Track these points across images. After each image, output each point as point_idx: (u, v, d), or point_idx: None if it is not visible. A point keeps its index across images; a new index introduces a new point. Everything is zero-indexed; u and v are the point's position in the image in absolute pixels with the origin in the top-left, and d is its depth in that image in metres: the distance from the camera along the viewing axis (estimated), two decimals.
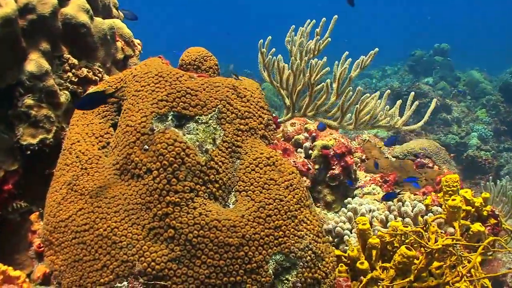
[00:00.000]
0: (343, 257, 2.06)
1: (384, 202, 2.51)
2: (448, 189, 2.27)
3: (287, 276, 1.63)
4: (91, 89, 2.02)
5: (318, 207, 2.78)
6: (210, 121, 1.78)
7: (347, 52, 2.08)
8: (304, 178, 2.67)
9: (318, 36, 2.13)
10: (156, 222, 1.57)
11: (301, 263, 1.65)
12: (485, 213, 2.24)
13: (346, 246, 2.27)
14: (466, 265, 1.84)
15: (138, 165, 1.65)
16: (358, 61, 2.08)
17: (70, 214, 1.68)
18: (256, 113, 1.90)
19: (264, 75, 2.25)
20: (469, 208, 2.22)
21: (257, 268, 1.57)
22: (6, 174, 1.83)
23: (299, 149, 2.81)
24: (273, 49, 2.16)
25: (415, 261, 1.84)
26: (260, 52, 2.17)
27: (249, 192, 1.70)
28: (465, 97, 9.91)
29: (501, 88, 9.53)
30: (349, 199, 2.67)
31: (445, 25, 27.01)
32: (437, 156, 3.27)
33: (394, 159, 3.23)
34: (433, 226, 1.93)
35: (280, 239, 1.64)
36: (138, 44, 2.51)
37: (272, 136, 1.93)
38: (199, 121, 1.77)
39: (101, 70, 2.13)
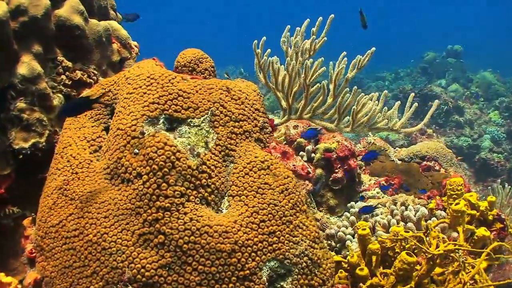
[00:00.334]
0: (343, 263, 2.01)
1: (386, 206, 2.46)
2: (452, 192, 2.20)
3: (282, 283, 1.58)
4: (85, 92, 1.99)
5: (321, 211, 2.72)
6: (203, 124, 1.74)
7: (345, 52, 2.03)
8: (307, 182, 2.63)
9: (314, 36, 2.08)
10: (146, 228, 1.53)
11: (296, 270, 1.61)
12: (490, 217, 2.18)
13: (348, 251, 2.22)
14: (470, 271, 1.78)
15: (128, 169, 1.61)
16: (354, 61, 2.03)
17: (60, 219, 1.65)
18: (251, 115, 1.86)
19: (259, 77, 2.21)
20: (473, 212, 2.16)
21: (250, 275, 1.53)
22: None
23: (301, 152, 2.76)
24: (268, 50, 2.11)
25: (417, 267, 1.79)
26: (255, 53, 2.13)
27: (242, 196, 1.66)
28: (477, 99, 9.80)
29: None
30: (352, 203, 2.61)
31: (458, 26, 26.77)
32: (444, 159, 3.20)
33: (400, 162, 3.18)
34: (434, 231, 1.88)
35: (274, 245, 1.59)
36: (135, 46, 2.48)
37: (267, 139, 1.88)
38: (191, 124, 1.73)
39: (96, 72, 2.10)
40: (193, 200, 1.59)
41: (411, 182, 2.89)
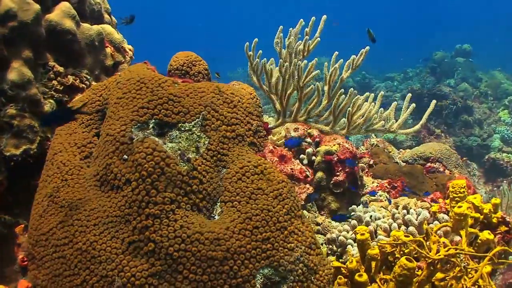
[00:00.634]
0: (342, 269, 1.97)
1: (388, 209, 2.41)
2: (455, 195, 2.15)
3: None
4: (77, 97, 1.96)
5: (322, 215, 2.68)
6: (194, 129, 1.70)
7: (336, 52, 1.97)
8: (307, 186, 2.59)
9: (307, 36, 2.03)
10: (135, 236, 1.50)
11: (291, 277, 1.56)
12: (494, 220, 2.12)
13: (352, 255, 2.18)
14: (473, 276, 1.73)
15: (117, 175, 1.58)
16: (349, 61, 1.98)
17: (51, 227, 1.62)
18: (244, 119, 1.82)
19: (253, 79, 2.16)
20: (477, 215, 2.10)
21: (244, 283, 1.49)
22: None
23: (302, 155, 2.72)
24: (260, 51, 2.07)
25: (418, 272, 1.74)
26: (246, 55, 2.09)
27: (235, 202, 1.62)
28: (487, 98, 9.70)
29: None
30: (354, 206, 2.57)
31: (467, 25, 26.53)
32: (449, 160, 3.14)
33: (403, 164, 3.12)
34: (434, 236, 1.83)
35: (268, 252, 1.55)
36: (130, 50, 2.45)
37: (262, 143, 1.84)
38: (182, 129, 1.69)
39: (88, 77, 2.07)
40: (183, 206, 1.55)
41: (415, 184, 2.84)
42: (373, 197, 2.74)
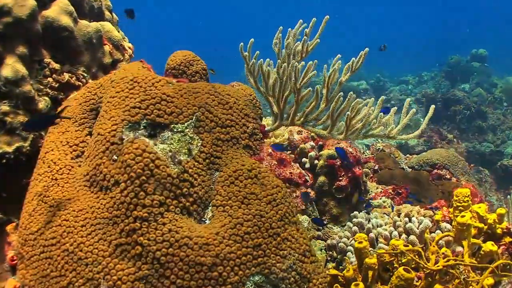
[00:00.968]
0: (339, 277, 1.92)
1: (391, 216, 2.36)
2: (458, 204, 2.08)
3: None
4: (72, 95, 1.93)
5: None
6: (187, 130, 1.66)
7: (339, 55, 1.92)
8: (309, 190, 2.54)
9: (306, 37, 1.98)
10: (123, 238, 1.46)
11: (283, 285, 1.52)
12: (499, 230, 2.05)
13: (350, 263, 2.13)
14: None
15: (106, 176, 1.54)
16: (348, 64, 1.92)
17: (39, 226, 1.59)
18: (240, 121, 1.77)
19: (250, 81, 2.12)
20: (481, 225, 2.04)
21: None
22: None
23: (304, 159, 2.67)
24: (257, 52, 2.02)
25: (416, 283, 1.68)
26: (242, 56, 2.04)
27: (227, 207, 1.57)
28: (501, 104, 9.57)
29: None
30: (356, 212, 2.51)
31: (484, 30, 26.22)
32: (456, 167, 3.07)
33: (409, 170, 3.06)
34: (433, 246, 1.77)
35: (259, 259, 1.51)
36: (129, 48, 2.41)
37: (258, 146, 1.79)
38: (175, 130, 1.64)
39: (85, 75, 2.04)
40: (172, 210, 1.51)
41: (420, 191, 2.78)
42: (376, 203, 2.69)
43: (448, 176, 2.95)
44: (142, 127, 1.61)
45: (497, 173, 7.12)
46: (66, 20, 1.94)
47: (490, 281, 1.81)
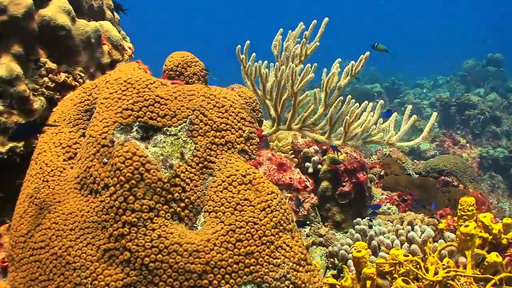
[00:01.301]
0: (337, 286, 1.87)
1: (394, 224, 2.30)
2: (463, 213, 2.02)
3: None
4: (67, 95, 1.90)
5: (326, 226, 2.59)
6: (180, 133, 1.62)
7: (339, 59, 1.87)
8: (312, 195, 2.49)
9: (305, 40, 1.92)
10: (111, 243, 1.42)
11: None
12: (504, 241, 1.99)
13: (350, 272, 2.08)
14: None
15: (96, 179, 1.51)
16: (347, 68, 1.87)
17: (29, 229, 1.57)
18: (236, 125, 1.73)
19: (247, 84, 2.07)
20: (486, 235, 1.97)
21: None
22: None
23: (307, 163, 2.62)
24: (254, 54, 1.98)
25: None
26: (238, 59, 2.00)
27: (219, 213, 1.53)
28: None
29: None
30: (359, 219, 2.46)
31: (500, 34, 25.91)
32: (464, 174, 3.00)
33: (416, 176, 2.99)
34: (433, 256, 1.71)
35: (251, 267, 1.46)
36: (129, 48, 2.38)
37: (254, 151, 1.75)
38: (168, 133, 1.61)
39: (82, 75, 2.00)
40: (163, 215, 1.47)
41: (427, 197, 2.72)
42: (381, 210, 2.63)
43: (455, 183, 2.88)
44: (134, 129, 1.57)
45: (510, 179, 7.02)
46: (63, 19, 1.91)
47: None
